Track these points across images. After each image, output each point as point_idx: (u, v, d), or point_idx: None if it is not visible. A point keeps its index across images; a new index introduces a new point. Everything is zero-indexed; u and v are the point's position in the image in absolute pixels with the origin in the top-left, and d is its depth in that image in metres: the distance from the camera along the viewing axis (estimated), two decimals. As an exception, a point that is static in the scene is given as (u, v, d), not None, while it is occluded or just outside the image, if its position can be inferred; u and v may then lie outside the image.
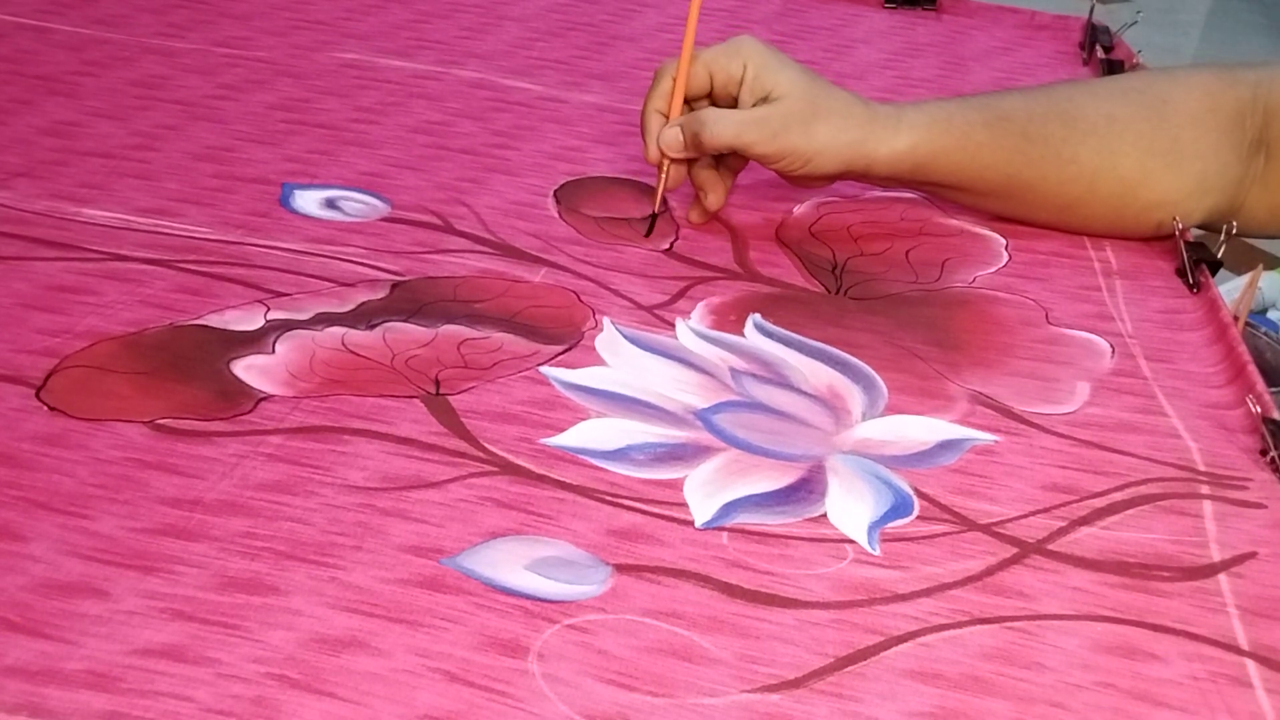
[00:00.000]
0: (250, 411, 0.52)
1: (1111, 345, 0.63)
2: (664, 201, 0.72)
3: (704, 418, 0.54)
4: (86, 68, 0.86)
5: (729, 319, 0.62)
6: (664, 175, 0.70)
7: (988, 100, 0.73)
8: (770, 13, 1.10)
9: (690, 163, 0.71)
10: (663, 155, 0.69)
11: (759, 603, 0.44)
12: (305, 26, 0.97)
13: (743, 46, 0.69)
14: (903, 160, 0.70)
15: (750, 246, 0.70)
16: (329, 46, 0.94)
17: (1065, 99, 0.73)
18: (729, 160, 0.72)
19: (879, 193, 0.77)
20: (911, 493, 0.51)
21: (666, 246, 0.70)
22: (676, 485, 0.50)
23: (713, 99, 0.70)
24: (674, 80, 0.69)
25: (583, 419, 0.54)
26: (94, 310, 0.58)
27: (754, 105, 0.68)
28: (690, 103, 0.70)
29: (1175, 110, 0.72)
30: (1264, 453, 0.54)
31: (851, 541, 0.48)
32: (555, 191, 0.75)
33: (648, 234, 0.71)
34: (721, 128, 0.67)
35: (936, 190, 0.74)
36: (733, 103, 0.69)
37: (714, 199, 0.71)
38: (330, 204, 0.71)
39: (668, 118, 0.69)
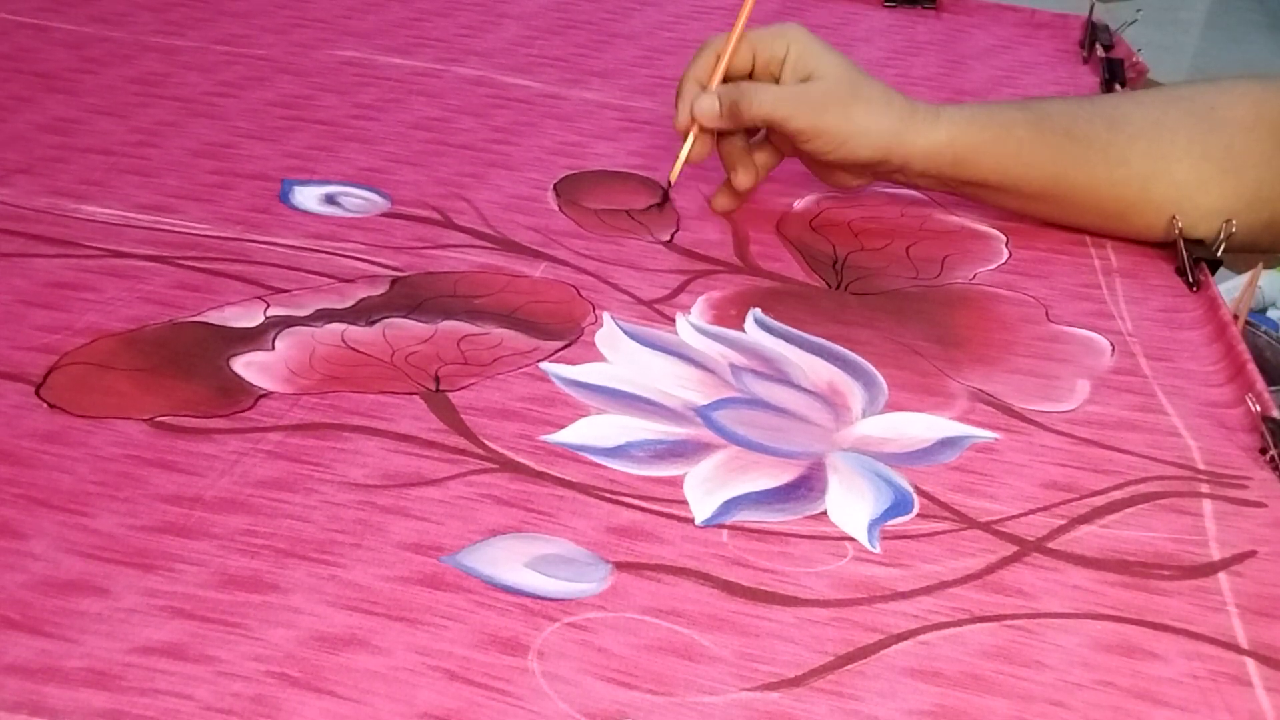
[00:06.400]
0: (250, 408, 0.52)
1: (1111, 343, 0.63)
2: (667, 195, 0.73)
3: (704, 414, 0.54)
4: (86, 65, 0.86)
5: (729, 314, 0.62)
6: (688, 145, 0.71)
7: (1029, 101, 0.73)
8: (770, 10, 1.10)
9: (720, 138, 0.72)
10: (693, 123, 0.70)
11: (759, 600, 0.44)
12: (304, 24, 0.97)
13: (788, 30, 0.70)
14: (941, 153, 0.69)
15: (751, 240, 0.70)
16: (328, 44, 0.94)
17: (1109, 104, 0.72)
18: (763, 154, 0.73)
19: (880, 189, 0.77)
20: (911, 490, 0.51)
21: (667, 238, 0.70)
22: (676, 482, 0.50)
23: (753, 78, 0.71)
24: (718, 54, 0.70)
25: (583, 415, 0.53)
26: (93, 307, 0.58)
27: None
28: (729, 80, 0.71)
29: (1225, 117, 0.70)
30: (1264, 451, 0.54)
31: (851, 539, 0.48)
32: (555, 185, 0.75)
33: (661, 205, 0.73)
34: (760, 98, 0.68)
35: (980, 193, 0.73)
36: (773, 82, 0.70)
37: (744, 177, 0.72)
38: (330, 200, 0.70)
39: (704, 90, 0.70)
